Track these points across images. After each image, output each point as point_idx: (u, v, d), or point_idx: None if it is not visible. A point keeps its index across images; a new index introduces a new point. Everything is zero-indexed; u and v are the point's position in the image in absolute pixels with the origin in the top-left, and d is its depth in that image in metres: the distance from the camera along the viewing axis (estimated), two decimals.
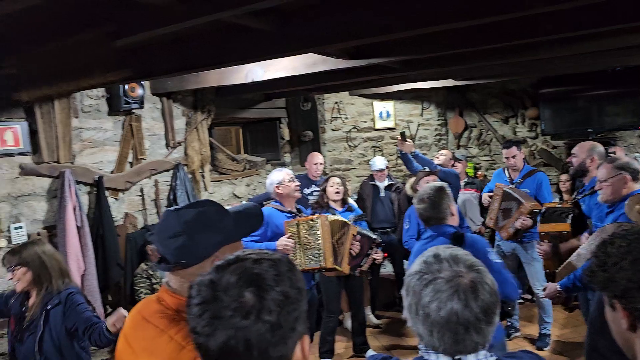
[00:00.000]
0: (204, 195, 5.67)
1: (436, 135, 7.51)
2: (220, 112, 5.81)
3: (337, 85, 5.65)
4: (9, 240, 3.86)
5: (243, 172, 6.42)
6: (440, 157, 5.90)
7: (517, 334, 5.03)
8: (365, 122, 7.16)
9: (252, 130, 7.22)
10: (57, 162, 4.14)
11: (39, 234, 4.05)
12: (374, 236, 4.31)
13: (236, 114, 6.31)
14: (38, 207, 4.10)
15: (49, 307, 2.77)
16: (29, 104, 3.67)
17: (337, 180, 4.81)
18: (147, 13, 2.38)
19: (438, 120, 7.53)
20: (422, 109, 7.37)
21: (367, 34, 2.76)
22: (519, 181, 4.85)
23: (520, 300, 5.68)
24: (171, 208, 1.50)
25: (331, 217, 4.06)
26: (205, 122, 5.62)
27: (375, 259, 4.29)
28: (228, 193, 6.13)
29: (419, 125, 7.35)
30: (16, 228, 3.91)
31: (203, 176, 5.64)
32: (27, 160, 4.01)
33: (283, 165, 6.87)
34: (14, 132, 3.87)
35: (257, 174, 6.56)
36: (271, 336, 0.85)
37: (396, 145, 6.60)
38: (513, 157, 4.86)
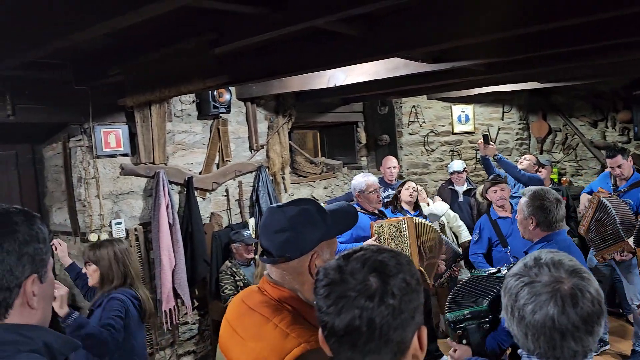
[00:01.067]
0: (284, 197, 5.84)
1: (517, 139, 7.29)
2: (300, 116, 5.97)
3: (415, 89, 5.64)
4: (110, 234, 4.18)
5: (321, 175, 6.55)
6: (524, 162, 5.73)
7: (606, 347, 4.79)
8: (444, 126, 7.08)
9: (330, 134, 7.35)
10: (153, 163, 4.44)
11: (135, 229, 4.37)
12: (458, 251, 4.32)
13: (315, 118, 6.46)
14: (135, 205, 4.42)
15: (94, 307, 2.91)
16: (132, 109, 3.97)
17: (413, 184, 4.86)
18: (245, 22, 2.53)
19: (520, 123, 7.31)
20: (503, 112, 7.18)
21: (452, 38, 2.77)
22: (623, 190, 4.58)
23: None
24: (274, 205, 1.60)
25: (417, 219, 4.09)
26: (286, 126, 5.80)
27: (454, 272, 4.31)
28: (306, 195, 6.27)
29: (499, 129, 7.17)
30: (116, 223, 4.23)
31: (283, 178, 5.81)
32: (127, 161, 4.34)
33: (360, 168, 6.95)
34: (116, 135, 4.20)
35: (335, 177, 6.67)
36: (392, 319, 0.90)
37: (476, 150, 6.49)
38: (619, 166, 4.58)
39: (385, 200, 5.09)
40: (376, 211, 4.25)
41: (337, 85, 4.42)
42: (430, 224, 4.23)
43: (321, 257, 1.48)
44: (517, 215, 2.93)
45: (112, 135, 4.17)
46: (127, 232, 4.31)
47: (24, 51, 2.90)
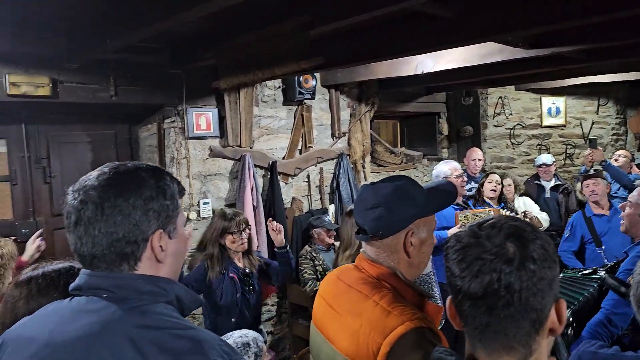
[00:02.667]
0: None
1: (613, 134, 6.83)
2: (381, 105, 5.91)
3: (506, 78, 5.41)
4: (198, 213, 4.35)
5: (400, 165, 6.47)
6: (620, 159, 5.37)
7: None
8: (532, 118, 6.75)
9: (410, 124, 7.24)
10: (239, 146, 4.56)
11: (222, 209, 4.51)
12: None
13: (396, 107, 6.37)
14: (222, 186, 4.56)
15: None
16: (223, 92, 4.09)
17: (497, 177, 4.72)
18: (341, 3, 2.51)
19: (616, 118, 6.84)
20: (598, 106, 6.74)
21: (556, 19, 2.62)
22: None
23: None
24: (368, 182, 1.58)
25: (504, 212, 3.95)
26: (369, 114, 5.76)
27: None
28: None
29: (593, 123, 6.74)
30: (204, 203, 4.39)
31: (363, 166, 5.78)
32: (215, 143, 4.48)
33: (440, 160, 6.79)
34: (207, 118, 4.35)
35: (414, 168, 6.57)
36: (532, 284, 0.86)
37: (567, 144, 6.16)
38: None
39: (468, 194, 4.96)
40: (460, 201, 4.14)
41: (424, 72, 4.33)
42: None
43: (417, 235, 1.45)
44: (624, 210, 2.73)
45: (203, 118, 4.33)
46: (213, 212, 4.46)
47: (126, 35, 3.06)
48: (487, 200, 4.60)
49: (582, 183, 4.57)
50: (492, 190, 4.60)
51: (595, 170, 4.78)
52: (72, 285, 1.02)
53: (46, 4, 2.88)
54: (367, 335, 1.30)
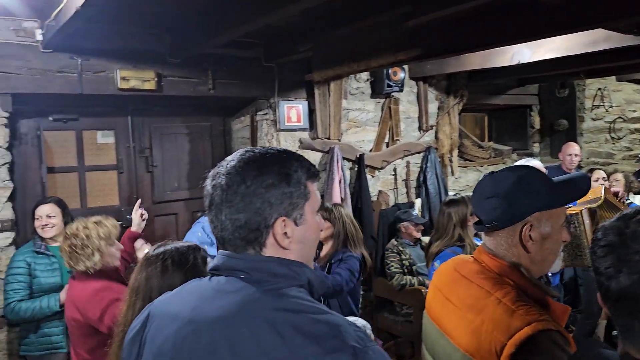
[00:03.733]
0: (451, 180, 5.69)
1: None
2: (470, 97, 5.73)
3: (607, 69, 5.07)
4: None
5: (489, 160, 6.26)
6: None
7: None
8: (635, 111, 6.29)
9: (499, 117, 6.97)
10: (328, 138, 4.60)
11: None
12: None
13: (486, 99, 6.16)
14: None
15: (332, 260, 3.15)
16: (316, 85, 4.15)
17: (602, 174, 4.41)
18: None
19: None
20: None
21: None
22: None
23: None
24: (488, 172, 1.53)
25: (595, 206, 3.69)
26: (457, 107, 5.62)
27: None
28: (474, 180, 6.04)
29: None
30: None
31: (451, 160, 5.65)
32: (305, 135, 4.55)
33: (531, 155, 6.49)
34: (297, 111, 4.43)
35: (503, 163, 6.33)
36: None
37: None
38: None
39: None
40: None
41: (521, 62, 4.14)
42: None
43: (538, 229, 1.36)
44: None
45: (294, 111, 4.41)
46: None
47: (228, 31, 3.17)
48: None
49: None
50: (601, 186, 4.32)
51: None
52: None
53: (154, 2, 3.05)
54: (489, 334, 1.25)
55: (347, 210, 3.40)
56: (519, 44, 3.95)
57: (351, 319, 2.11)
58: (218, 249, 1.07)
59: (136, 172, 4.28)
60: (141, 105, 4.20)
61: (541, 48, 3.99)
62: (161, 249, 1.66)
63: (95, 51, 3.54)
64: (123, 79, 3.61)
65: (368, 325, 2.13)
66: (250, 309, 0.94)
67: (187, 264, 1.60)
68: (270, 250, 1.00)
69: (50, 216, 3.11)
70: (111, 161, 4.20)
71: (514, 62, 4.17)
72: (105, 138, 4.21)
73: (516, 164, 4.14)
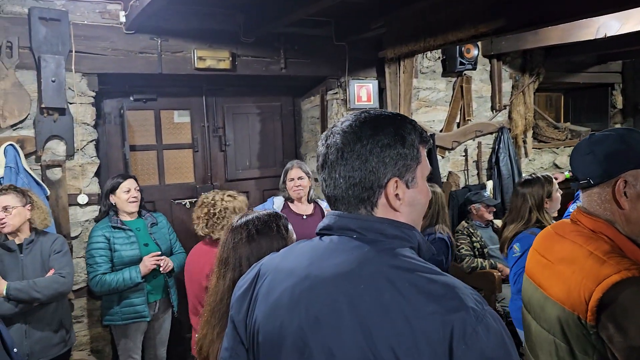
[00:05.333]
0: (524, 162, 5.48)
1: None
2: (546, 76, 5.46)
3: None
4: None
5: (565, 142, 5.98)
6: None
7: None
8: None
9: (577, 97, 6.62)
10: None
11: None
12: None
13: (563, 78, 5.86)
14: None
15: (427, 238, 3.14)
16: (389, 62, 4.09)
17: None
18: None
19: None
20: None
21: None
22: None
23: None
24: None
25: None
26: (532, 86, 5.38)
27: None
28: (549, 162, 5.79)
29: None
30: None
31: (525, 142, 5.44)
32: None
33: None
34: (367, 90, 4.39)
35: None
36: None
37: None
38: None
39: None
40: None
41: (607, 35, 3.89)
42: None
43: (634, 187, 1.35)
44: None
45: (364, 90, 4.37)
46: None
47: (298, 8, 3.16)
48: None
49: None
50: None
51: None
52: (320, 225, 1.08)
53: None
54: (579, 282, 1.28)
55: (435, 188, 3.38)
56: (606, 15, 3.70)
57: None
58: (331, 207, 1.09)
59: (210, 150, 4.40)
60: (214, 86, 4.30)
61: (632, 19, 3.72)
62: (244, 219, 1.70)
63: (174, 32, 3.65)
64: (200, 58, 3.70)
65: None
66: (368, 265, 0.95)
67: (272, 231, 1.63)
68: (381, 210, 1.01)
69: (137, 189, 3.28)
70: (187, 140, 4.34)
71: (600, 36, 3.93)
72: (181, 118, 4.35)
73: None
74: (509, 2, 2.62)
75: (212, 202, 2.77)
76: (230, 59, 3.81)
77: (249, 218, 1.70)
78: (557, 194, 2.95)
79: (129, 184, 3.25)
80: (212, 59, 3.75)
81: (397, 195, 1.01)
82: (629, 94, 6.25)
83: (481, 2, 2.57)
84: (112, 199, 3.24)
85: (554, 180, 2.98)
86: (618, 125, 6.37)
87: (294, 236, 1.68)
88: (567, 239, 1.45)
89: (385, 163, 0.99)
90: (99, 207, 3.50)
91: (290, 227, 1.69)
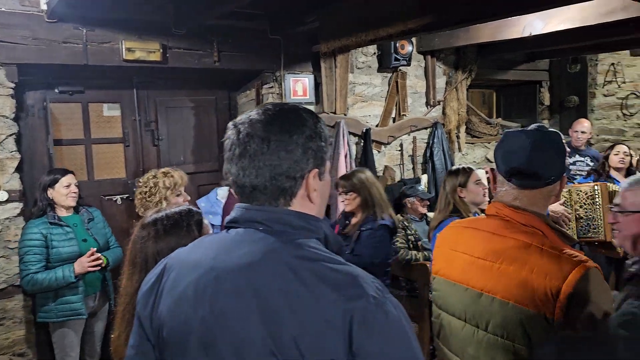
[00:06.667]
0: (458, 156, 5.65)
1: None
2: (478, 72, 5.65)
3: (622, 42, 4.95)
4: None
5: (496, 137, 6.20)
6: None
7: None
8: None
9: (508, 93, 6.88)
10: (334, 112, 4.56)
11: None
12: None
13: (494, 75, 6.07)
14: None
15: (363, 229, 3.13)
16: (323, 57, 4.09)
17: (625, 148, 4.37)
18: None
19: None
20: None
21: None
22: None
23: None
24: (530, 127, 1.52)
25: (614, 186, 3.66)
26: (465, 82, 5.54)
27: None
28: (481, 156, 6.00)
29: None
30: None
31: (458, 137, 5.61)
32: (311, 109, 4.50)
33: None
34: (303, 84, 4.39)
35: None
36: None
37: None
38: None
39: (573, 170, 4.69)
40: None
41: (532, 34, 4.06)
42: None
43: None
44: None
45: (300, 84, 4.37)
46: None
47: (230, 1, 3.11)
48: (614, 175, 4.28)
49: None
50: (620, 161, 4.28)
51: None
52: (228, 218, 1.07)
53: None
54: (542, 280, 1.29)
55: (367, 173, 3.26)
56: (531, 15, 3.86)
57: None
58: (239, 200, 1.08)
59: (142, 145, 4.27)
60: (146, 78, 4.17)
61: (554, 19, 3.90)
62: (153, 217, 1.65)
63: (100, 21, 3.50)
64: (128, 50, 3.58)
65: None
66: (272, 256, 0.96)
67: (182, 231, 1.58)
68: (298, 201, 1.04)
69: (76, 185, 3.19)
70: (117, 134, 4.19)
71: (525, 34, 4.09)
72: (111, 111, 4.19)
73: None
74: (437, 1, 2.68)
75: (145, 181, 2.84)
76: (161, 50, 3.71)
77: (159, 216, 1.64)
78: (474, 185, 3.01)
79: (69, 179, 3.16)
80: (142, 50, 3.64)
81: (314, 186, 1.04)
82: (556, 91, 6.56)
83: (410, 0, 2.61)
84: (50, 193, 3.11)
85: (474, 172, 3.06)
86: (546, 122, 6.67)
87: (211, 231, 1.65)
88: (508, 237, 1.42)
89: (308, 154, 1.02)
90: (21, 204, 3.34)
91: (205, 222, 1.65)
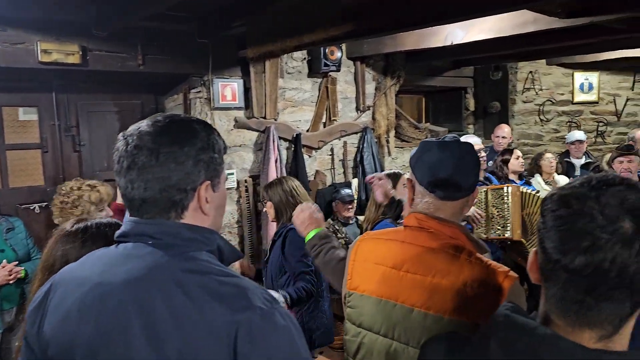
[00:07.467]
0: (388, 161, 5.78)
1: None
2: (407, 79, 5.81)
3: (537, 51, 5.26)
4: None
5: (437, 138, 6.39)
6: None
7: None
8: (563, 94, 6.59)
9: (435, 99, 7.12)
10: (264, 117, 4.55)
11: (246, 181, 4.53)
12: None
13: (422, 81, 6.27)
14: (246, 157, 4.57)
15: (275, 237, 3.10)
16: (250, 62, 4.07)
17: (520, 153, 4.64)
18: None
19: None
20: (634, 82, 6.54)
21: None
22: None
23: None
24: (445, 137, 1.55)
25: (524, 188, 3.87)
26: (394, 88, 5.68)
27: None
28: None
29: (627, 100, 6.55)
30: (229, 174, 4.41)
31: (388, 141, 5.73)
32: (240, 114, 4.48)
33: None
34: (232, 89, 4.34)
35: None
36: None
37: (598, 122, 6.00)
38: None
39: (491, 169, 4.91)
40: (481, 178, 4.08)
41: (454, 43, 4.22)
42: (540, 196, 3.96)
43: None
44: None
45: (229, 89, 4.32)
46: (238, 183, 4.48)
47: (153, 2, 3.04)
48: (511, 177, 4.52)
49: (615, 159, 4.44)
50: (521, 165, 4.53)
51: (629, 147, 4.64)
52: (118, 232, 1.05)
53: None
54: (477, 292, 1.30)
55: (289, 182, 3.11)
56: (452, 25, 4.02)
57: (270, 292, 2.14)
58: (130, 214, 1.05)
59: (62, 151, 4.08)
60: (66, 81, 4.00)
61: (474, 29, 4.07)
62: (81, 225, 1.59)
63: (13, 21, 3.33)
64: (44, 51, 3.41)
65: (282, 301, 2.15)
66: (159, 271, 0.95)
67: (107, 239, 1.54)
68: (190, 214, 1.02)
69: None
70: (34, 139, 3.98)
71: (447, 43, 4.25)
72: (28, 115, 3.98)
73: (462, 139, 4.25)
74: (358, 10, 2.74)
75: (68, 190, 2.71)
76: (81, 53, 3.56)
77: (86, 224, 1.59)
78: (403, 189, 3.09)
79: None
80: (60, 52, 3.47)
81: (206, 198, 1.03)
82: (480, 98, 6.85)
83: (333, 7, 2.65)
84: None
85: (402, 176, 3.15)
86: (471, 126, 6.96)
87: None
88: (437, 250, 1.40)
89: (199, 166, 1.01)
90: None
91: None
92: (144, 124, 1.03)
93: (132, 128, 1.04)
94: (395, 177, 3.09)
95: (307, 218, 1.95)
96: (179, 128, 1.02)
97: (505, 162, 4.54)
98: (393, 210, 2.59)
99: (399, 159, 5.98)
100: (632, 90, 6.55)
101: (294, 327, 0.93)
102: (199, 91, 4.25)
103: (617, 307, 0.81)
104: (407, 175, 3.92)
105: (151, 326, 0.90)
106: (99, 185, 2.77)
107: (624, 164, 4.31)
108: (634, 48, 5.05)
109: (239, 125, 4.45)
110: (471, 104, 6.88)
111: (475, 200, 3.71)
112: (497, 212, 3.76)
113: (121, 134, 1.04)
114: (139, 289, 0.93)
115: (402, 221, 2.49)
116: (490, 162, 5.17)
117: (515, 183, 4.35)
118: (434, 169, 1.43)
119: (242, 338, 0.87)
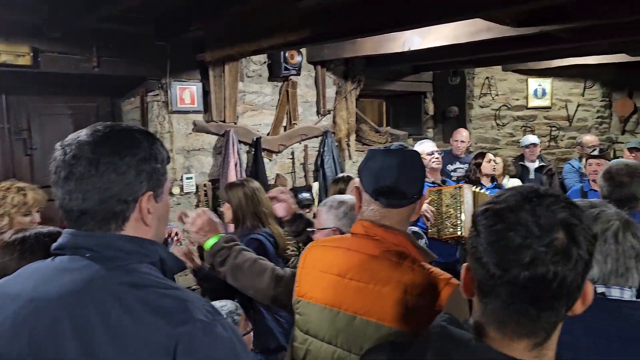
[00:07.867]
0: (348, 164, 5.82)
1: (598, 117, 6.90)
2: (367, 83, 5.88)
3: (492, 58, 5.41)
4: (182, 188, 4.32)
5: (385, 145, 6.47)
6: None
7: None
8: (518, 99, 6.78)
9: (396, 103, 7.22)
10: (224, 121, 4.52)
11: (205, 185, 4.49)
12: None
13: (382, 86, 6.34)
14: (205, 161, 4.53)
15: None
16: (209, 65, 4.03)
17: (492, 156, 4.75)
18: None
19: (602, 101, 6.90)
20: (585, 88, 6.79)
21: None
22: None
23: None
24: (392, 146, 1.56)
25: (476, 188, 3.97)
26: (354, 92, 5.73)
27: None
28: None
29: (578, 105, 6.79)
30: (187, 178, 4.36)
31: (348, 145, 5.78)
32: (199, 118, 4.44)
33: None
34: (191, 92, 4.29)
35: None
36: (581, 275, 0.82)
37: (552, 127, 6.17)
38: None
39: (454, 177, 5.01)
40: (438, 181, 4.15)
41: (411, 49, 4.30)
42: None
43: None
44: None
45: (187, 92, 4.27)
46: (197, 187, 4.43)
47: (111, 2, 2.98)
48: (482, 181, 4.62)
49: (587, 161, 4.65)
50: (493, 169, 4.65)
51: (601, 150, 4.84)
52: (54, 245, 1.02)
53: None
54: (417, 300, 1.31)
55: (249, 184, 2.99)
56: (410, 31, 4.09)
57: (222, 302, 2.11)
58: (67, 226, 1.02)
59: (12, 155, 3.95)
60: (18, 83, 3.87)
61: (430, 36, 4.16)
62: (19, 235, 1.54)
63: None
64: None
65: (240, 309, 2.12)
66: (95, 285, 0.92)
67: (48, 251, 1.50)
68: (132, 225, 1.00)
69: None
70: None
71: (405, 49, 4.32)
72: None
73: (415, 145, 4.32)
74: (316, 15, 2.76)
75: None
76: (32, 54, 3.46)
77: (25, 235, 1.54)
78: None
79: None
80: (9, 53, 3.37)
81: (148, 209, 1.01)
82: (439, 102, 6.99)
83: (291, 13, 2.66)
84: None
85: (353, 180, 3.19)
86: (430, 130, 7.09)
87: None
88: (380, 257, 1.40)
89: (141, 177, 0.99)
90: None
91: None
92: (82, 133, 1.00)
93: (70, 137, 1.01)
94: (345, 181, 3.12)
95: (205, 224, 1.85)
96: (119, 137, 1.00)
97: (478, 165, 4.66)
98: (295, 226, 2.46)
99: (359, 162, 6.03)
100: (583, 96, 6.80)
101: (236, 338, 0.92)
102: (157, 94, 4.19)
103: (555, 314, 0.84)
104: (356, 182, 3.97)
105: (87, 342, 0.87)
106: (28, 189, 2.64)
107: (593, 166, 4.50)
108: (581, 56, 5.25)
109: (197, 128, 4.41)
110: (430, 108, 7.00)
111: (429, 199, 3.83)
112: (450, 211, 3.85)
113: (59, 143, 1.01)
114: (74, 304, 0.90)
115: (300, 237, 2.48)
116: (448, 165, 5.29)
117: (486, 187, 4.46)
118: (378, 177, 1.43)
119: (182, 352, 0.86)
